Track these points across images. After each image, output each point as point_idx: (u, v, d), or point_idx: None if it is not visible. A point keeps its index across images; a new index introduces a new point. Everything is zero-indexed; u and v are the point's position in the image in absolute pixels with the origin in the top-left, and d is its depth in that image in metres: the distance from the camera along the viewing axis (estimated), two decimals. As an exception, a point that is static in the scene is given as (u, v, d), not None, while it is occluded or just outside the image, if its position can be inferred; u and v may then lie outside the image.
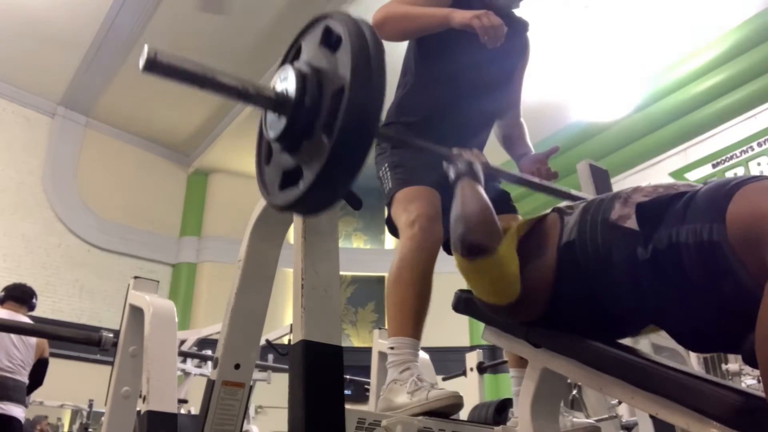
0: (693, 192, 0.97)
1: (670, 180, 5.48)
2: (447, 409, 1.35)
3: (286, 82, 1.02)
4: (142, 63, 0.90)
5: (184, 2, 6.45)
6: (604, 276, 1.04)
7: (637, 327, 1.19)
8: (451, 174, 1.31)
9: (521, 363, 1.64)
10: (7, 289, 3.88)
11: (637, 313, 1.05)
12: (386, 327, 2.28)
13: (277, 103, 1.02)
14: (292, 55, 1.12)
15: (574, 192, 1.69)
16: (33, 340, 3.66)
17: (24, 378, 3.63)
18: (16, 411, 3.51)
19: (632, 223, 1.00)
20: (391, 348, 1.51)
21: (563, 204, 1.23)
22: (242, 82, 0.99)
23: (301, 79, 1.01)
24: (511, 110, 1.98)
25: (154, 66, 0.91)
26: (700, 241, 0.88)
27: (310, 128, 0.99)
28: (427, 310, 1.57)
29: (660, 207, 0.98)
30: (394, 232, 1.76)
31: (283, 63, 1.10)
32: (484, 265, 1.13)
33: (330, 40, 1.02)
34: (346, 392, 1.14)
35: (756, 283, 0.80)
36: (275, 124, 1.04)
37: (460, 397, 1.37)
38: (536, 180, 1.65)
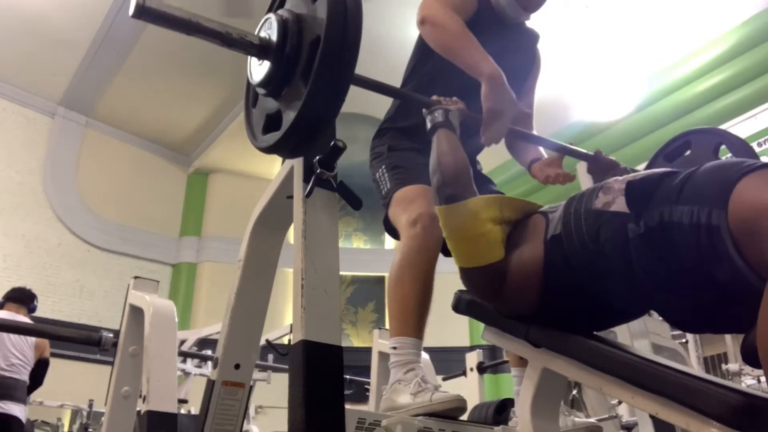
0: (689, 172, 0.96)
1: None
2: (449, 413, 1.34)
3: (269, 29, 1.07)
4: (131, 10, 0.96)
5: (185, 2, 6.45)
6: (593, 264, 1.03)
7: (631, 314, 1.19)
8: (428, 123, 1.37)
9: (523, 362, 1.64)
10: (6, 293, 3.90)
11: (630, 297, 1.05)
12: (386, 327, 2.28)
13: (260, 48, 1.07)
14: (277, 4, 1.17)
15: (558, 142, 1.72)
16: (32, 339, 3.67)
17: (24, 377, 3.64)
18: (17, 410, 3.52)
19: (619, 206, 1.00)
20: (394, 348, 1.50)
21: (545, 207, 1.24)
22: (225, 27, 1.04)
23: (283, 25, 1.06)
24: (524, 121, 1.93)
25: (143, 12, 0.97)
26: (697, 223, 0.87)
27: (289, 76, 1.06)
28: (428, 310, 1.56)
29: (650, 184, 0.97)
30: (392, 233, 1.75)
31: (268, 12, 1.15)
32: (459, 213, 1.18)
33: None
34: (346, 392, 1.14)
35: (753, 274, 0.79)
36: (258, 70, 1.10)
37: (464, 401, 1.37)
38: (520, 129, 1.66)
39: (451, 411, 1.34)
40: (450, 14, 1.60)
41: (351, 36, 1.00)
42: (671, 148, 1.98)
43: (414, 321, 1.52)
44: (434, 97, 1.44)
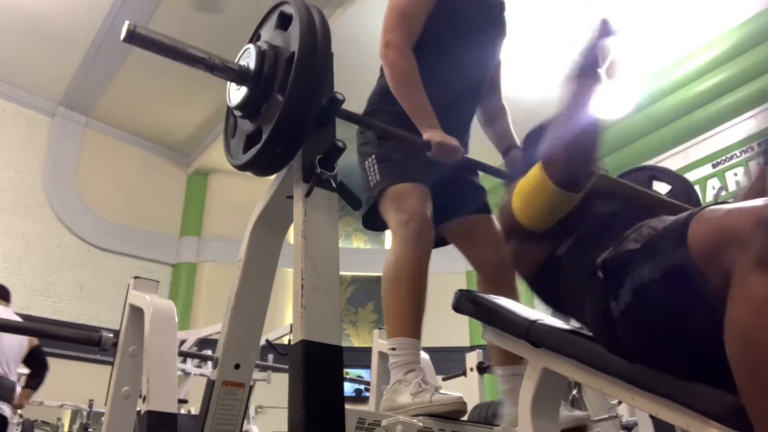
0: (652, 235, 0.96)
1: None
2: (449, 415, 1.34)
3: (248, 58, 1.19)
4: (123, 35, 1.04)
5: (185, 2, 6.44)
6: (577, 307, 1.05)
7: None
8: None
9: (507, 360, 1.63)
10: None
11: (606, 345, 1.06)
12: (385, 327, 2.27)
13: (239, 74, 1.18)
14: (255, 40, 1.29)
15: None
16: (23, 340, 3.70)
17: (12, 376, 3.66)
18: (6, 410, 3.55)
19: (602, 272, 1.00)
20: (393, 349, 1.50)
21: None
22: (209, 54, 1.15)
23: (260, 54, 1.17)
24: (492, 92, 1.99)
25: (133, 38, 1.05)
26: (664, 272, 0.87)
27: (268, 93, 1.16)
28: (424, 309, 1.56)
29: (624, 260, 0.97)
30: (371, 225, 1.76)
31: (248, 43, 1.26)
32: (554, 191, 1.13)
33: (283, 22, 1.20)
34: (346, 393, 1.14)
35: (723, 301, 0.79)
36: (237, 94, 1.20)
37: (464, 404, 1.36)
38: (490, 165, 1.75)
39: (451, 414, 1.34)
40: (402, 55, 1.69)
41: (321, 48, 1.12)
42: None
43: (411, 321, 1.52)
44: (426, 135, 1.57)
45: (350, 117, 1.38)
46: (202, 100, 8.12)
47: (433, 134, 1.59)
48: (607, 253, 1.02)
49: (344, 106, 1.27)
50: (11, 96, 8.01)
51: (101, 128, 8.73)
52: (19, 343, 3.68)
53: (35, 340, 3.85)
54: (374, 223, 1.73)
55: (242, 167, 1.23)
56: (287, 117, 1.09)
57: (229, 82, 1.23)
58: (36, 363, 3.89)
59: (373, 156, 1.71)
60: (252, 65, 1.17)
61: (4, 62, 7.47)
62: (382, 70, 1.83)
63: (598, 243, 1.06)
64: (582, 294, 1.04)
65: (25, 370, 3.98)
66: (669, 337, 0.90)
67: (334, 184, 1.19)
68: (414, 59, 1.70)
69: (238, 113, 1.24)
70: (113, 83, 7.88)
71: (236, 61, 1.20)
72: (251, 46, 1.19)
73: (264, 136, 1.14)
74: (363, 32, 5.99)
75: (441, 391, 1.40)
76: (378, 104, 1.80)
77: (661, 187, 1.96)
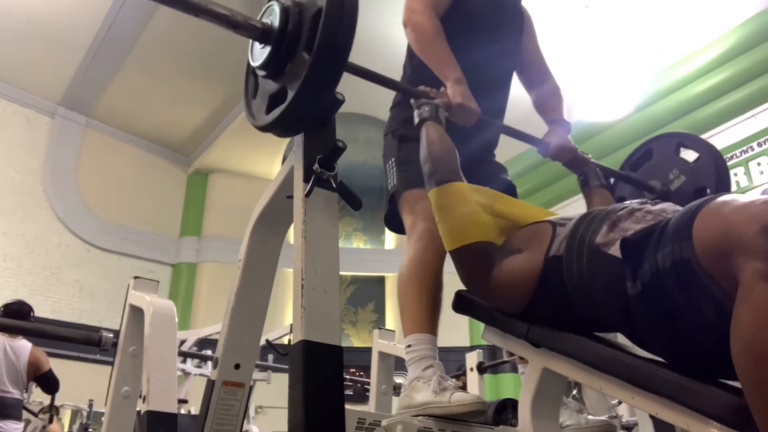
0: (669, 218, 0.95)
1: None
2: (469, 416, 1.32)
3: (271, 16, 1.16)
4: None
5: (184, 2, 6.45)
6: (588, 296, 1.03)
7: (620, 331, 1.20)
8: (416, 117, 1.46)
9: None
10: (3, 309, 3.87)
11: (622, 329, 1.06)
12: (386, 327, 2.27)
13: (263, 32, 1.15)
14: None
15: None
16: (25, 357, 3.69)
17: (18, 394, 3.66)
18: (14, 427, 3.55)
19: (615, 251, 0.99)
20: (409, 346, 1.50)
21: (556, 217, 1.24)
22: (232, 11, 1.12)
23: (284, 11, 1.14)
24: (536, 77, 1.96)
25: None
26: (673, 263, 0.86)
27: (293, 51, 1.13)
28: (440, 308, 1.57)
29: (642, 240, 0.96)
30: (393, 228, 1.76)
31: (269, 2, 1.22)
32: (448, 193, 1.27)
33: None
34: (346, 392, 1.14)
35: (731, 300, 0.78)
36: (260, 53, 1.17)
37: (484, 403, 1.34)
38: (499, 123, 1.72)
39: (471, 414, 1.31)
40: (427, 17, 1.67)
41: (349, 4, 1.09)
42: (635, 158, 2.00)
43: (426, 318, 1.52)
44: (421, 88, 1.52)
45: (358, 71, 1.34)
46: (202, 100, 8.13)
47: (455, 92, 1.54)
48: (612, 232, 1.02)
49: (350, 103, 1.26)
50: (11, 96, 8.02)
51: (101, 128, 8.74)
52: (18, 361, 3.66)
53: (43, 367, 3.82)
54: (396, 225, 1.74)
55: (265, 128, 1.21)
56: (315, 74, 1.08)
57: (251, 41, 1.20)
58: (49, 386, 3.93)
59: (393, 159, 1.73)
60: (276, 23, 1.14)
61: (4, 62, 7.48)
62: (404, 69, 1.83)
63: (599, 228, 1.06)
64: (590, 279, 1.03)
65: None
66: (680, 324, 0.89)
67: (334, 184, 1.18)
68: (439, 21, 1.67)
69: (261, 73, 1.21)
70: (113, 83, 7.89)
71: (259, 18, 1.18)
72: (274, 2, 1.16)
73: (290, 95, 1.11)
74: (369, 27, 6.00)
75: (459, 389, 1.39)
76: (404, 109, 1.78)
77: (689, 154, 1.92)
